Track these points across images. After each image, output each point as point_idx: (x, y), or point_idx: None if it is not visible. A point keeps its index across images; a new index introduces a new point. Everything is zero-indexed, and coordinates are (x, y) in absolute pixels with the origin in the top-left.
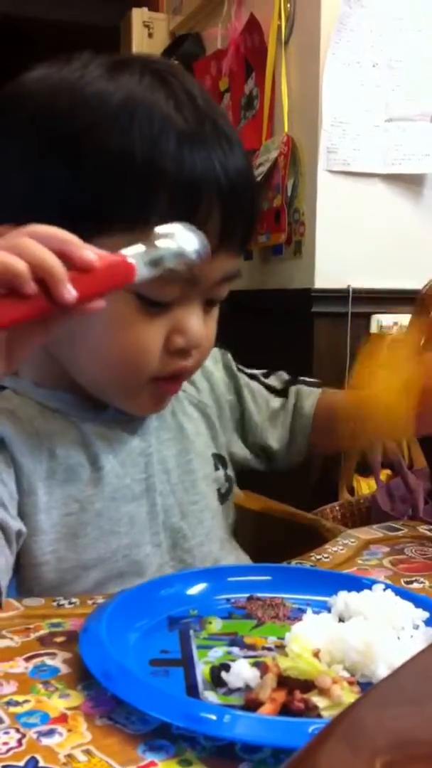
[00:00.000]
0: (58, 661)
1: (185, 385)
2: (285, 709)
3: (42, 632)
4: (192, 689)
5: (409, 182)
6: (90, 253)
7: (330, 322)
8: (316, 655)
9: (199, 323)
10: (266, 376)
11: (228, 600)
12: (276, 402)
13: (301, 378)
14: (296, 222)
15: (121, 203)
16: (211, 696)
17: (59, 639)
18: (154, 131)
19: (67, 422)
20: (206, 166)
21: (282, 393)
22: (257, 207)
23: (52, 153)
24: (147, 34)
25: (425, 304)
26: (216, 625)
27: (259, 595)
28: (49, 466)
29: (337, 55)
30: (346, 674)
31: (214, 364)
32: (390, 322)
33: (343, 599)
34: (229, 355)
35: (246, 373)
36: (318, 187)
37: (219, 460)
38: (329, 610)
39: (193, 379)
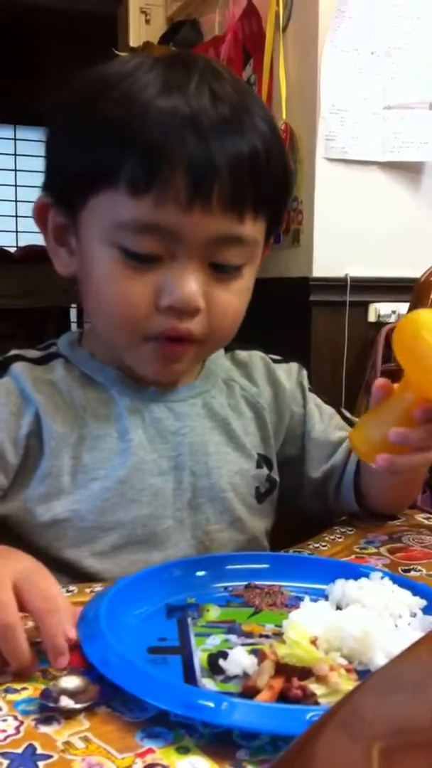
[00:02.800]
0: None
1: (245, 382)
2: (282, 696)
3: None
4: (190, 677)
5: (408, 170)
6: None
7: (328, 310)
8: (313, 642)
9: (191, 283)
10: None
11: (226, 588)
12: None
13: None
14: (294, 210)
15: (100, 164)
16: (209, 683)
17: None
18: (130, 101)
19: (106, 396)
20: (174, 131)
21: None
22: (262, 176)
23: (64, 130)
24: (144, 21)
25: (423, 293)
26: (214, 612)
27: (257, 583)
28: (79, 433)
29: (336, 42)
30: (343, 661)
31: (287, 376)
32: (388, 310)
33: (341, 587)
34: (305, 372)
35: (324, 400)
36: (316, 176)
37: (264, 460)
38: (327, 598)
39: (255, 380)
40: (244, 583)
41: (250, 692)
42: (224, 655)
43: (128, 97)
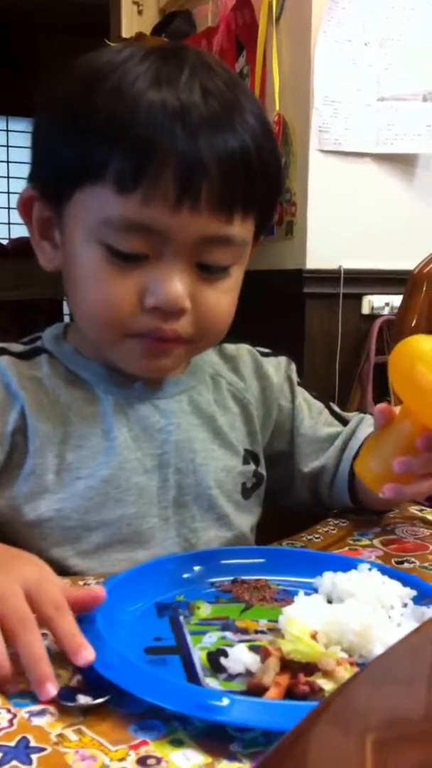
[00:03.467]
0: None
1: (233, 377)
2: (289, 693)
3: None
4: (192, 677)
5: (401, 162)
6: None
7: (322, 303)
8: (313, 637)
9: (175, 283)
10: (357, 411)
11: (212, 584)
12: (338, 427)
13: None
14: (288, 202)
15: (86, 158)
16: (212, 683)
17: None
18: (119, 94)
19: (91, 394)
20: (163, 127)
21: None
22: (254, 175)
23: (50, 121)
24: (137, 12)
25: (417, 285)
26: (205, 609)
27: (244, 577)
28: (64, 431)
29: (329, 33)
30: (344, 655)
31: (276, 369)
32: (382, 302)
33: (331, 580)
34: (293, 366)
35: (312, 394)
36: (309, 167)
37: (251, 456)
38: (315, 591)
39: (243, 374)
40: (230, 578)
41: (256, 690)
42: (224, 653)
43: (118, 90)
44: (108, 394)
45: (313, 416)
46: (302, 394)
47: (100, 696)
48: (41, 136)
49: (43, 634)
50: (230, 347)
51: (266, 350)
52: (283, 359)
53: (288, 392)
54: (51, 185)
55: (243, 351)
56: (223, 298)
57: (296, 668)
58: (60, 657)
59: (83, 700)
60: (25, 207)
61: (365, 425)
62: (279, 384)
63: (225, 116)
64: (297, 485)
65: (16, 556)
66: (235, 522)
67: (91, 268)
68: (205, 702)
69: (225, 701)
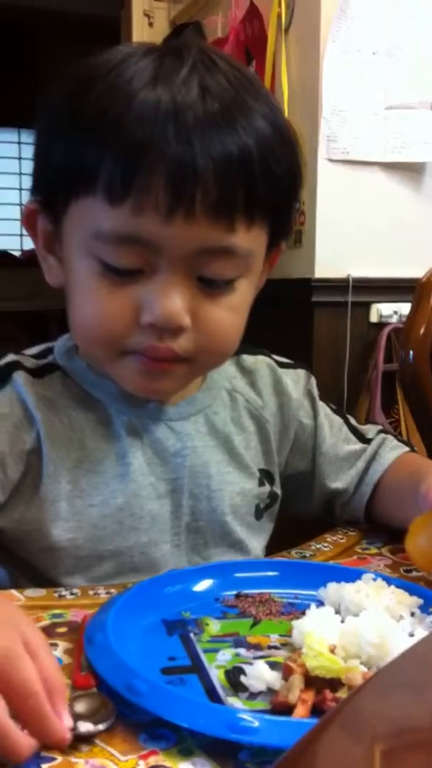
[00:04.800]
0: (59, 651)
1: (250, 393)
2: (316, 710)
3: (44, 623)
4: (214, 696)
5: (409, 170)
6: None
7: (330, 311)
8: (332, 651)
9: (172, 298)
10: (366, 423)
11: (216, 599)
12: (357, 445)
13: (395, 435)
14: (296, 211)
15: (78, 166)
16: (235, 702)
17: (61, 630)
18: (112, 96)
19: (104, 414)
20: (155, 131)
21: (368, 441)
22: (254, 178)
23: (45, 129)
24: (147, 23)
25: (425, 293)
26: (214, 626)
27: (246, 591)
28: (77, 456)
29: (337, 43)
30: (364, 669)
31: (294, 384)
32: (390, 311)
33: (336, 591)
34: (314, 380)
35: (332, 408)
36: (318, 176)
37: (266, 476)
38: (319, 603)
39: (260, 390)
40: (234, 592)
41: (282, 708)
42: (242, 671)
43: (112, 89)
44: (121, 414)
45: (334, 434)
46: (324, 410)
47: (101, 722)
48: (38, 145)
49: (53, 644)
50: (249, 359)
51: (285, 360)
52: (302, 373)
53: (309, 409)
54: (49, 195)
55: (261, 364)
56: (226, 315)
57: (320, 684)
58: (69, 667)
59: (84, 728)
60: (29, 221)
61: (387, 448)
62: (298, 400)
63: (225, 117)
64: (312, 500)
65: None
66: (248, 546)
67: (86, 283)
68: (237, 724)
69: (256, 722)
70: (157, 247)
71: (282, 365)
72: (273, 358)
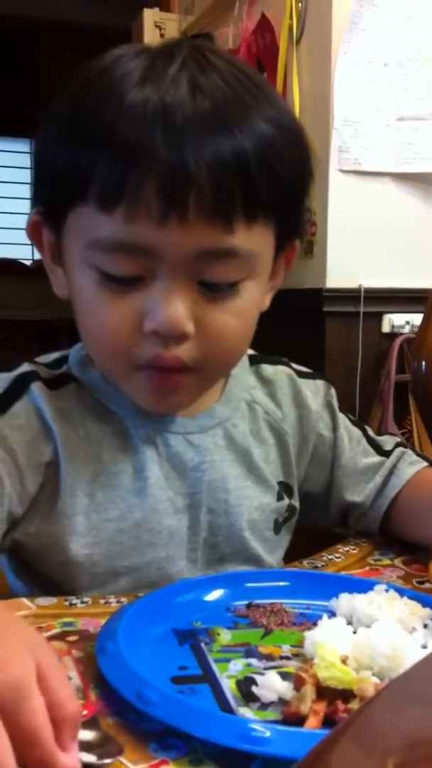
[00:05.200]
0: (70, 660)
1: (269, 405)
2: (328, 721)
3: (54, 631)
4: (225, 707)
5: (421, 181)
6: None
7: (342, 321)
8: (344, 662)
9: (176, 305)
10: (378, 434)
11: (228, 609)
12: (375, 458)
13: (413, 449)
14: (308, 222)
15: (72, 173)
16: (246, 712)
17: (71, 638)
18: (102, 98)
19: (120, 427)
20: (143, 133)
21: (386, 453)
22: (248, 175)
23: (44, 139)
24: (159, 35)
25: None
26: (225, 636)
27: (257, 601)
28: (94, 469)
29: (349, 54)
30: (376, 680)
31: (314, 395)
32: (402, 321)
33: (349, 602)
34: (333, 391)
35: (350, 419)
36: (329, 187)
37: (285, 489)
38: (331, 614)
39: (280, 402)
40: (245, 602)
41: (293, 719)
42: (253, 681)
43: (104, 90)
44: (138, 427)
45: (353, 447)
46: (343, 422)
47: (106, 757)
48: (38, 153)
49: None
50: (268, 369)
51: (305, 370)
52: (321, 384)
53: (329, 421)
54: (49, 207)
55: (281, 375)
56: (232, 320)
57: (332, 695)
58: (79, 676)
59: (87, 758)
60: (33, 232)
61: (406, 463)
62: (318, 412)
63: (217, 116)
64: (329, 513)
65: (12, 638)
66: (265, 562)
67: (87, 294)
68: (249, 734)
69: (268, 733)
70: (154, 253)
71: (301, 375)
72: (292, 368)
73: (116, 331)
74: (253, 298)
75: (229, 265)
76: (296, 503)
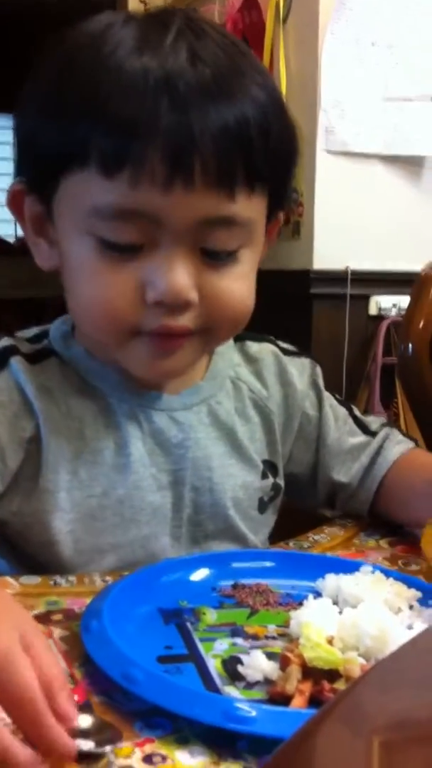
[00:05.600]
0: (55, 637)
1: (254, 383)
2: (313, 701)
3: (39, 610)
4: (210, 685)
5: (408, 163)
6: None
7: (329, 303)
8: (330, 642)
9: (177, 273)
10: (364, 413)
11: (213, 588)
12: (361, 437)
13: (400, 429)
14: (295, 203)
15: (68, 140)
16: (232, 691)
17: (56, 617)
18: (97, 66)
19: (103, 403)
20: (147, 99)
21: (373, 433)
22: (252, 147)
23: (30, 105)
24: (143, 11)
25: (424, 286)
26: (211, 615)
27: (243, 582)
28: (76, 446)
29: (336, 34)
30: (362, 660)
31: (299, 374)
32: (389, 303)
33: (335, 583)
34: (319, 369)
35: (337, 398)
36: (317, 168)
37: (270, 467)
38: (317, 594)
39: (265, 380)
40: (231, 582)
41: (279, 698)
42: (239, 661)
43: (97, 60)
44: (122, 402)
45: (339, 426)
46: (329, 401)
47: (106, 744)
48: (23, 123)
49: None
50: (254, 347)
51: (291, 348)
52: (307, 362)
53: (315, 399)
54: (37, 175)
55: (266, 353)
56: (235, 286)
57: (318, 675)
58: (64, 655)
59: (86, 746)
60: (15, 203)
61: (392, 443)
62: (303, 391)
63: (218, 84)
64: (315, 493)
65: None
66: (250, 541)
67: (84, 264)
68: (234, 713)
69: (253, 712)
70: (157, 219)
71: (287, 353)
72: (278, 346)
73: (116, 301)
74: (251, 266)
75: (230, 233)
76: (281, 482)
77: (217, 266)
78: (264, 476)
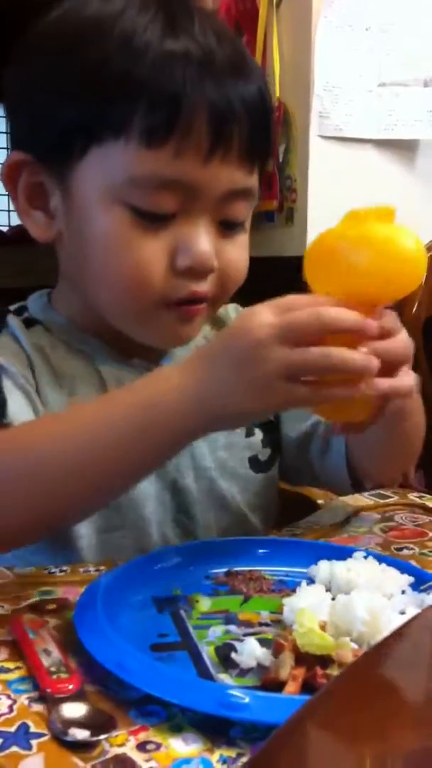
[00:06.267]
0: (49, 627)
1: None
2: (306, 687)
3: (33, 600)
4: (204, 673)
5: (402, 148)
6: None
7: None
8: (322, 628)
9: (205, 241)
10: None
11: (207, 576)
12: None
13: None
14: (288, 189)
15: (103, 113)
16: (225, 678)
17: (50, 606)
18: (133, 44)
19: (90, 367)
20: (191, 76)
21: None
22: (266, 129)
23: (46, 77)
24: None
25: None
26: (204, 603)
27: (237, 569)
28: (67, 401)
29: (330, 18)
30: (355, 646)
31: None
32: None
33: (328, 569)
34: None
35: None
36: (310, 153)
37: (257, 424)
38: (310, 580)
39: None
40: (224, 569)
41: (272, 685)
42: (232, 648)
43: (129, 40)
44: (105, 365)
45: None
46: None
47: (101, 733)
48: (31, 94)
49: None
50: (219, 311)
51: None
52: None
53: None
54: (51, 147)
55: (230, 310)
56: (242, 254)
57: (311, 661)
58: (58, 644)
59: (81, 735)
60: (11, 174)
61: None
62: None
63: (241, 62)
64: (286, 454)
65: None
66: (235, 505)
67: (113, 233)
68: (227, 700)
69: (246, 698)
70: (194, 189)
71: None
72: (240, 306)
73: (148, 269)
74: (248, 233)
75: (246, 204)
76: (276, 434)
77: (230, 235)
78: (249, 433)
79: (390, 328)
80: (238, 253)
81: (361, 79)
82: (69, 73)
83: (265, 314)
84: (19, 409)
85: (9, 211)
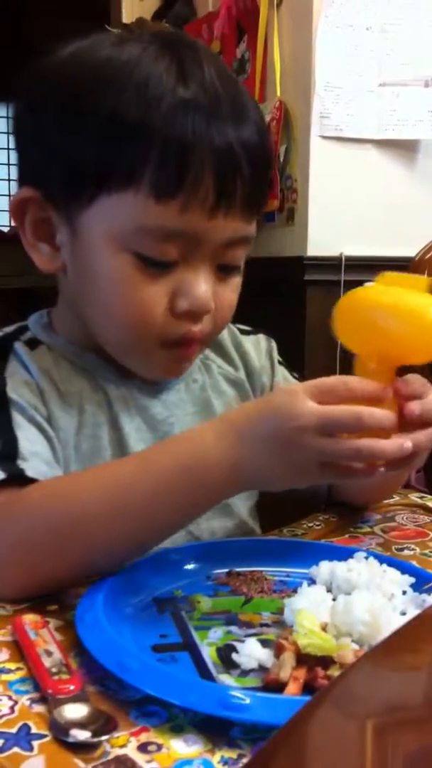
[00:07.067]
0: (50, 628)
1: (220, 361)
2: (308, 688)
3: (34, 601)
4: (205, 674)
5: (403, 148)
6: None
7: (323, 290)
8: (323, 629)
9: (204, 286)
10: None
11: (208, 577)
12: None
13: None
14: (289, 189)
15: (115, 162)
16: (226, 679)
17: (52, 607)
18: (148, 93)
19: (94, 383)
20: (200, 128)
21: None
22: (266, 176)
23: (59, 119)
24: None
25: (418, 271)
26: (205, 604)
27: (238, 569)
28: (78, 420)
29: (331, 18)
30: (356, 647)
31: (255, 349)
32: None
33: (328, 569)
34: (274, 344)
35: (294, 375)
36: (311, 154)
37: None
38: (311, 581)
39: (230, 357)
40: (225, 570)
41: (273, 686)
42: (233, 649)
43: (145, 90)
44: (109, 383)
45: None
46: (282, 373)
47: (102, 734)
48: (43, 134)
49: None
50: None
51: (245, 328)
52: (262, 337)
53: (269, 370)
54: (61, 188)
55: (224, 335)
56: (234, 295)
57: (312, 662)
58: (59, 644)
59: (82, 736)
60: (19, 209)
61: None
62: (260, 364)
63: (241, 109)
64: None
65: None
66: (235, 509)
67: (120, 276)
68: (228, 701)
69: (247, 699)
70: (198, 239)
71: (243, 332)
72: (235, 327)
73: (150, 311)
74: (242, 274)
75: (243, 250)
76: None
77: (226, 279)
78: None
79: (421, 392)
80: (229, 295)
81: (362, 79)
82: (83, 117)
83: (309, 403)
84: (31, 445)
85: (10, 211)
